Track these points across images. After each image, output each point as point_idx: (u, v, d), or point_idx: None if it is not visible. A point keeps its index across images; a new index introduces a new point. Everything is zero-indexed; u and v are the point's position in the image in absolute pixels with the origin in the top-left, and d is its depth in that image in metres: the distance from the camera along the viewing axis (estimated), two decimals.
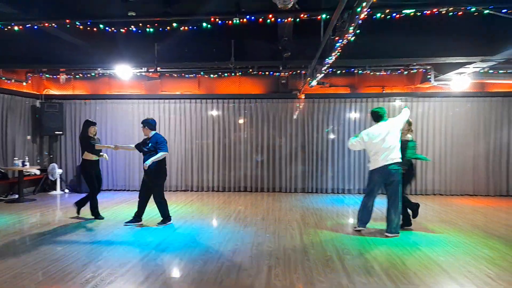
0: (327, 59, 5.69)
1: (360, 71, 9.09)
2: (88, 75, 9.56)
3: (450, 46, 6.69)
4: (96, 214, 6.39)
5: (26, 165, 8.42)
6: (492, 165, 9.23)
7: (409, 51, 6.96)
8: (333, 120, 9.59)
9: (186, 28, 6.14)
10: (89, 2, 6.03)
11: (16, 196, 8.42)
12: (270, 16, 5.49)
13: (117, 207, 7.55)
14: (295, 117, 9.68)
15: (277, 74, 9.10)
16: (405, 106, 5.76)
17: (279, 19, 5.63)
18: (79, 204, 6.47)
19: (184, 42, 7.08)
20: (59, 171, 9.31)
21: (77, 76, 9.76)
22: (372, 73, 9.01)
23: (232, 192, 9.61)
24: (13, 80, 9.00)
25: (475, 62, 7.05)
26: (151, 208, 6.19)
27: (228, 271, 3.94)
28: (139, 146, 6.07)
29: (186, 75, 9.51)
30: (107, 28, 6.14)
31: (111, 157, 9.25)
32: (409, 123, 5.66)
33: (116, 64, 7.76)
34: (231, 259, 4.34)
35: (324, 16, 5.39)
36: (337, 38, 4.80)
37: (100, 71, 9.09)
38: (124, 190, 9.83)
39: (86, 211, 6.55)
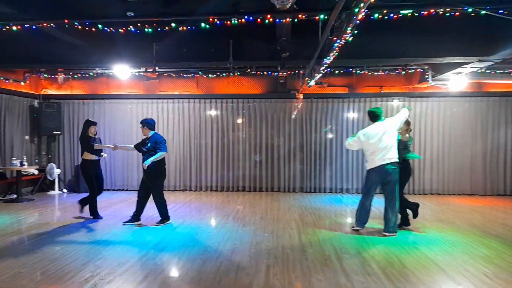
0: (325, 59, 5.71)
1: (358, 71, 9.12)
2: (86, 75, 9.55)
3: (448, 46, 6.74)
4: (95, 214, 6.39)
5: (24, 165, 8.41)
6: (490, 164, 9.28)
7: (407, 51, 7.00)
8: (331, 120, 9.61)
9: (184, 28, 6.15)
10: (88, 2, 6.04)
11: (14, 196, 8.42)
12: (268, 16, 5.51)
13: (115, 206, 7.56)
14: (293, 117, 9.70)
15: (276, 74, 9.12)
16: (406, 106, 5.76)
17: (277, 20, 5.65)
18: (83, 203, 6.48)
19: (183, 42, 7.10)
20: (57, 171, 9.30)
21: (75, 76, 9.75)
22: (370, 73, 9.04)
23: (231, 192, 9.62)
24: (11, 80, 9.00)
25: (472, 62, 7.09)
26: (150, 207, 6.20)
27: (226, 270, 3.95)
28: (138, 146, 6.07)
29: (185, 75, 9.52)
30: (105, 28, 6.15)
31: (110, 157, 9.24)
32: (407, 123, 5.67)
33: (114, 64, 7.77)
34: (230, 258, 4.36)
35: (322, 16, 5.42)
36: (335, 38, 4.83)
37: (99, 71, 9.09)
38: (123, 190, 9.83)
39: (86, 210, 6.54)
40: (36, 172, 9.18)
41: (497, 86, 9.21)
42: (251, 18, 5.56)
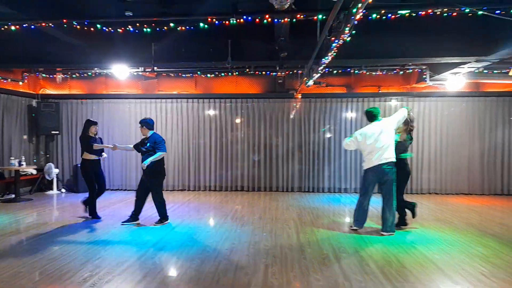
0: (323, 59, 5.74)
1: (356, 71, 9.14)
2: (85, 75, 9.55)
3: (445, 46, 6.77)
4: (94, 214, 6.39)
5: (22, 164, 8.40)
6: (487, 164, 9.31)
7: (405, 51, 7.03)
8: (329, 119, 9.63)
9: (183, 28, 6.17)
10: (87, 2, 6.04)
11: (13, 196, 8.41)
12: (267, 16, 5.53)
13: (114, 206, 7.56)
14: (292, 116, 9.72)
15: (274, 74, 9.14)
16: (406, 106, 5.76)
17: (275, 20, 5.67)
18: (86, 203, 6.47)
19: (181, 42, 7.11)
20: (55, 171, 9.29)
21: (73, 76, 9.74)
22: (368, 73, 9.07)
23: (229, 192, 9.63)
24: (9, 80, 8.98)
25: (470, 62, 7.13)
26: (148, 207, 6.20)
27: (225, 270, 3.97)
28: (137, 146, 6.08)
29: (183, 75, 9.53)
30: (104, 28, 6.15)
31: (109, 157, 9.21)
32: (406, 123, 5.67)
33: (113, 64, 7.77)
34: (228, 257, 4.37)
35: (320, 16, 5.44)
36: (333, 38, 4.85)
37: (97, 71, 9.09)
38: (121, 189, 9.83)
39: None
40: (34, 172, 9.17)
41: (494, 86, 9.25)
42: (249, 18, 5.58)
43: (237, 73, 9.24)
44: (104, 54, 7.49)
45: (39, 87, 10.02)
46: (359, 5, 3.74)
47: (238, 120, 9.82)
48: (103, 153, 6.53)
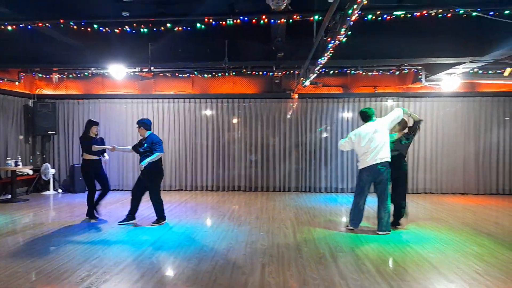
0: (319, 60, 5.76)
1: (352, 71, 9.20)
2: (81, 75, 9.54)
3: (440, 47, 6.82)
4: (91, 214, 6.39)
5: (19, 165, 8.39)
6: (482, 164, 9.39)
7: (400, 51, 7.07)
8: (326, 119, 9.67)
9: (180, 28, 6.19)
10: (83, 3, 6.04)
11: (9, 196, 8.39)
12: (264, 17, 5.56)
13: (111, 206, 7.56)
14: (288, 116, 9.75)
15: (271, 74, 9.17)
16: (403, 108, 5.76)
17: (272, 20, 5.70)
18: (95, 205, 6.46)
19: (178, 42, 7.12)
20: (52, 171, 9.28)
21: (70, 76, 9.73)
22: (364, 73, 9.12)
23: (226, 192, 9.65)
24: (5, 80, 8.96)
25: (464, 62, 7.18)
26: (145, 207, 6.21)
27: (222, 269, 3.99)
28: (135, 148, 6.10)
29: (180, 75, 9.54)
30: (101, 28, 6.16)
31: None
32: (400, 123, 5.71)
33: (110, 64, 7.77)
34: (225, 257, 4.39)
35: (316, 17, 5.48)
36: (329, 39, 4.88)
37: (94, 71, 9.08)
38: (118, 190, 9.83)
39: (83, 210, 6.55)
40: (30, 172, 9.14)
41: (489, 86, 9.32)
42: (246, 18, 5.61)
43: (234, 73, 9.26)
44: (101, 54, 7.49)
45: (36, 87, 10.00)
46: (355, 6, 3.78)
47: (235, 120, 9.84)
48: (105, 154, 6.53)
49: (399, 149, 5.65)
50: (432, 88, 9.26)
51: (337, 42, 4.89)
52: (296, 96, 9.66)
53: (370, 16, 5.33)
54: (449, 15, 5.33)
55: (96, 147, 6.21)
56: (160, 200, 6.03)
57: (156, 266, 4.12)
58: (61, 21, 5.75)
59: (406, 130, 5.85)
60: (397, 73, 9.22)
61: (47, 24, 5.99)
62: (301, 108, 9.71)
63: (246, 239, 5.14)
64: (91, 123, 6.39)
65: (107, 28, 6.21)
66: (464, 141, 9.42)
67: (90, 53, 7.50)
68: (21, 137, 9.46)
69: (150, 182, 5.92)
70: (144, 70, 8.72)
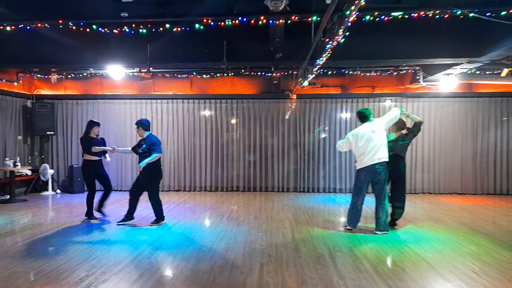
0: (318, 60, 5.79)
1: (350, 72, 9.22)
2: (80, 75, 9.54)
3: (438, 47, 6.86)
4: (89, 215, 6.39)
5: (17, 165, 8.38)
6: (480, 164, 9.43)
7: (398, 52, 7.11)
8: (324, 120, 9.70)
9: (179, 29, 6.20)
10: (82, 3, 6.06)
11: (8, 196, 8.38)
12: (262, 18, 5.59)
13: (110, 207, 7.53)
14: (287, 117, 9.78)
15: (269, 74, 9.19)
16: (401, 108, 5.77)
17: (270, 21, 5.72)
18: (100, 206, 6.48)
19: (177, 43, 7.14)
20: (50, 172, 9.28)
21: (68, 76, 9.73)
22: (362, 74, 9.15)
23: (225, 192, 9.67)
24: (4, 80, 8.96)
25: (462, 63, 7.22)
26: (144, 207, 6.22)
27: (221, 269, 4.00)
28: (135, 149, 6.11)
29: (179, 75, 9.56)
30: (100, 28, 6.18)
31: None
32: (396, 123, 5.72)
33: (108, 65, 7.78)
34: (224, 257, 4.41)
35: (314, 18, 5.51)
36: (327, 40, 4.91)
37: (92, 71, 9.08)
38: (117, 190, 9.82)
39: (81, 210, 6.54)
40: (29, 172, 9.14)
41: (486, 87, 9.37)
42: (244, 19, 5.63)
43: (232, 73, 9.29)
44: (99, 54, 7.49)
45: (34, 88, 9.99)
46: (352, 7, 3.80)
47: (233, 121, 9.86)
48: (106, 155, 6.54)
49: (396, 149, 5.65)
50: (430, 89, 9.30)
51: (335, 43, 4.91)
52: (294, 96, 9.68)
53: (368, 17, 5.36)
54: (446, 16, 5.37)
55: (96, 148, 6.21)
56: (159, 201, 6.04)
57: (155, 266, 4.13)
58: (60, 21, 5.77)
59: (404, 131, 5.85)
60: (395, 73, 9.26)
61: (46, 25, 6.00)
62: (300, 108, 9.73)
63: (245, 239, 5.16)
64: (92, 124, 6.40)
65: (106, 29, 6.23)
66: (461, 141, 9.46)
67: (89, 54, 7.50)
68: (20, 137, 9.45)
69: (149, 183, 5.93)
70: (143, 70, 8.73)
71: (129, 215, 6.08)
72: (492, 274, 3.87)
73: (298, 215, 6.82)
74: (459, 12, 5.06)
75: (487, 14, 5.07)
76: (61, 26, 5.98)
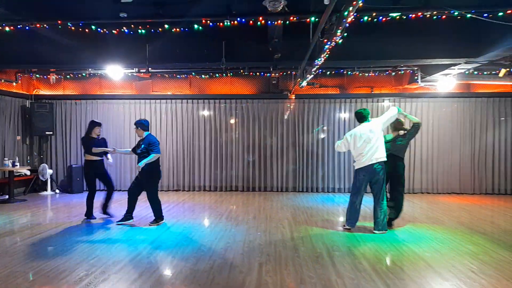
0: (316, 61, 5.81)
1: (349, 72, 9.25)
2: (79, 75, 9.55)
3: (436, 48, 6.88)
4: (89, 214, 6.41)
5: (16, 165, 8.38)
6: (478, 163, 9.46)
7: (396, 52, 7.14)
8: (323, 120, 9.72)
9: (177, 29, 6.22)
10: (81, 4, 6.06)
11: (6, 196, 8.38)
12: (261, 18, 5.60)
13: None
14: (285, 117, 9.80)
15: (268, 74, 9.21)
16: (398, 108, 5.78)
17: (269, 21, 5.74)
18: (105, 206, 6.49)
19: (176, 43, 7.15)
20: (49, 172, 9.28)
21: (67, 76, 9.74)
22: (361, 74, 9.18)
23: (224, 192, 9.68)
24: (2, 80, 8.96)
25: (460, 63, 7.25)
26: (143, 207, 6.23)
27: (220, 268, 4.02)
28: (134, 150, 6.13)
29: (178, 76, 9.57)
30: (99, 29, 6.19)
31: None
32: (393, 123, 5.73)
33: (107, 65, 7.79)
34: (223, 256, 4.42)
35: (313, 19, 5.53)
36: (325, 40, 4.93)
37: (91, 71, 9.09)
38: (116, 190, 9.77)
39: (80, 210, 6.54)
40: (28, 172, 9.14)
41: (485, 87, 9.40)
42: (243, 20, 5.65)
43: (231, 74, 9.30)
44: (98, 55, 7.50)
45: (33, 88, 9.99)
46: (350, 8, 3.82)
47: (232, 121, 9.87)
48: (108, 156, 6.54)
49: (393, 149, 5.67)
50: (428, 89, 9.33)
51: (333, 43, 4.94)
52: (293, 96, 9.70)
53: (366, 18, 5.38)
54: (444, 16, 5.39)
55: (96, 150, 6.22)
56: (158, 200, 6.05)
57: (154, 265, 4.14)
58: (59, 22, 5.77)
59: (402, 132, 5.87)
60: (393, 74, 9.29)
61: (45, 25, 6.01)
62: (298, 108, 9.75)
63: (244, 239, 5.17)
64: (93, 124, 6.41)
65: (105, 29, 6.24)
66: (459, 141, 9.50)
67: (88, 54, 7.51)
68: (19, 137, 9.46)
69: (147, 183, 5.94)
70: (141, 70, 8.74)
71: (128, 215, 6.08)
72: (490, 273, 3.89)
73: (297, 215, 6.84)
74: (456, 13, 5.09)
75: (484, 15, 5.10)
76: (60, 27, 5.99)
